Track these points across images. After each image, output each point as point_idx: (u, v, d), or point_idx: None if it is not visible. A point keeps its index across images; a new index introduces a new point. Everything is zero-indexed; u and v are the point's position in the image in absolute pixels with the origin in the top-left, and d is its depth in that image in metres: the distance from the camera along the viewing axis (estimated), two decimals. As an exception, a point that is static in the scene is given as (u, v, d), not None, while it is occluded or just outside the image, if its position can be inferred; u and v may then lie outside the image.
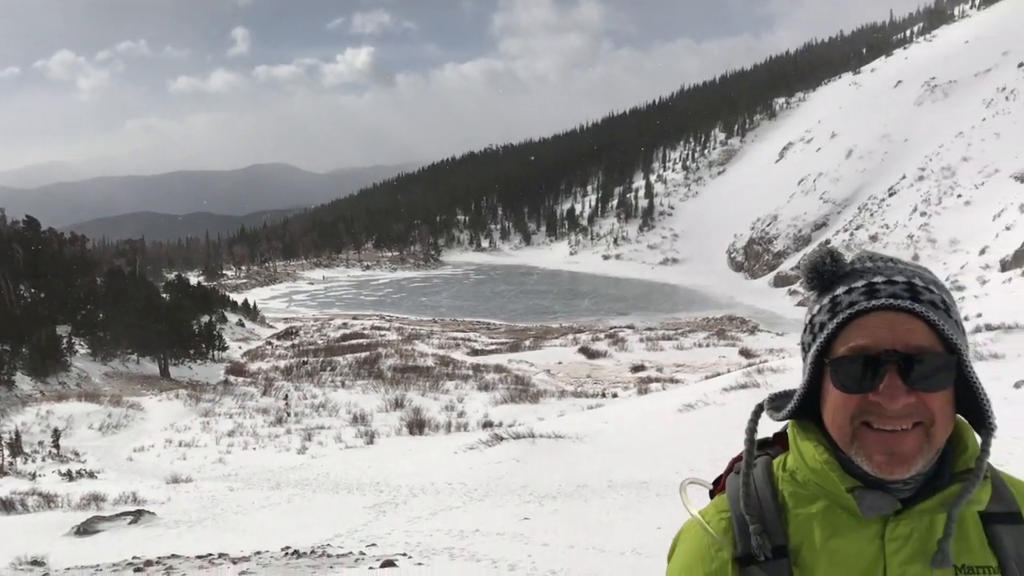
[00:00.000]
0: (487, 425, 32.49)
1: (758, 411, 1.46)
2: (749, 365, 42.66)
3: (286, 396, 42.13)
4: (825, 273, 1.38)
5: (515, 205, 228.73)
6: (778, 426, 1.50)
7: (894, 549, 1.30)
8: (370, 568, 11.25)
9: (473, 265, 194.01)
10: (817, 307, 1.39)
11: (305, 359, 57.52)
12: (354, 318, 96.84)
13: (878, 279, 1.32)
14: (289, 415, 37.55)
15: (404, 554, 12.41)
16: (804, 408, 1.40)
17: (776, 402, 1.44)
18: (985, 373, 18.55)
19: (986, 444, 1.37)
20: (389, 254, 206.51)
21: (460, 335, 79.24)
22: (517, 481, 19.77)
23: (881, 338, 1.26)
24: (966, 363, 1.31)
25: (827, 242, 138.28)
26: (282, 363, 57.11)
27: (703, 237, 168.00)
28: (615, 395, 44.17)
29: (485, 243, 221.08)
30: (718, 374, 41.07)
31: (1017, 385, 22.75)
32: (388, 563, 11.36)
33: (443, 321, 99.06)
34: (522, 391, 43.80)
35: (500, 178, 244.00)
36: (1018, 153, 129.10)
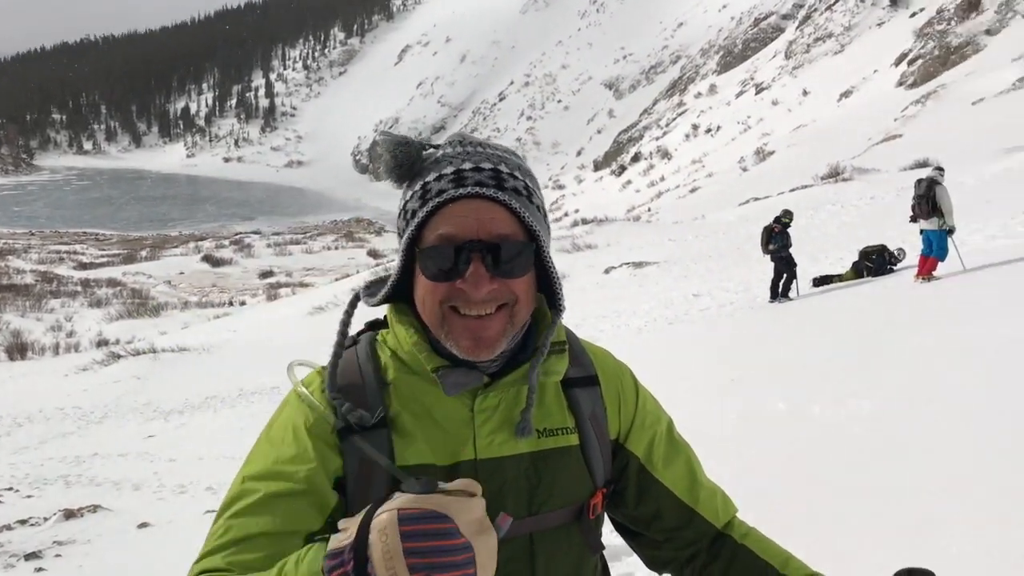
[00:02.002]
0: (102, 343, 30.14)
1: (355, 299, 1.48)
2: (377, 265, 43.55)
3: None
4: (404, 163, 1.37)
5: (121, 103, 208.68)
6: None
7: (483, 420, 1.37)
8: (-33, 509, 10.15)
9: (75, 170, 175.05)
10: (410, 193, 1.36)
11: None
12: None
13: (466, 166, 1.31)
14: None
15: (11, 488, 11.34)
16: (400, 292, 1.42)
17: (372, 288, 1.46)
18: (581, 261, 20.68)
19: (555, 321, 1.42)
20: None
21: (64, 248, 71.90)
22: (139, 399, 18.72)
23: (467, 227, 1.28)
24: (544, 249, 1.34)
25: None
26: None
27: (328, 139, 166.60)
28: (243, 303, 43.03)
29: (88, 145, 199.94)
30: (348, 275, 41.55)
31: (607, 271, 25.79)
32: (-10, 501, 10.32)
33: (42, 233, 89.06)
34: (140, 305, 41.09)
35: (102, 73, 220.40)
36: (607, 62, 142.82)
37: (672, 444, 1.56)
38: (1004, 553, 3.54)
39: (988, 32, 61.09)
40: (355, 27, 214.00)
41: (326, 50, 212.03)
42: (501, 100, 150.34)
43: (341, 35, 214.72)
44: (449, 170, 1.32)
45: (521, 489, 1.38)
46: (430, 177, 1.33)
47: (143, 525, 8.57)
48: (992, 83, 49.42)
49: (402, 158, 1.36)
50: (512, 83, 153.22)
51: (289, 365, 1.44)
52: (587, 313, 18.18)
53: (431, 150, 1.39)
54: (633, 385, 1.56)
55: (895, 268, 14.94)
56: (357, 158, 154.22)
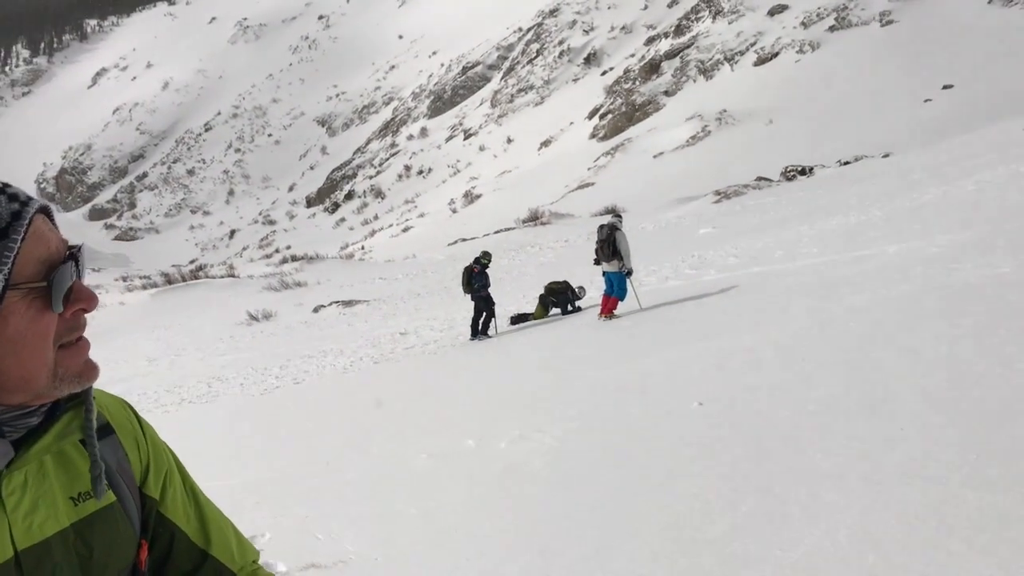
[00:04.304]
0: None
1: None
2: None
3: None
4: None
5: None
6: None
7: (14, 503, 1.17)
8: None
9: None
10: None
11: None
12: None
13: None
14: None
15: None
16: None
17: None
18: (290, 299, 20.19)
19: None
20: None
21: None
22: None
23: (58, 239, 1.18)
24: None
25: (144, 175, 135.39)
26: None
27: (7, 165, 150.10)
28: None
29: None
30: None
31: (316, 309, 25.42)
32: None
33: None
34: None
35: None
36: (320, 99, 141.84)
37: (184, 478, 1.48)
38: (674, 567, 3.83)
39: (667, 93, 67.97)
40: (42, 45, 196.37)
41: (7, 68, 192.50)
42: (207, 130, 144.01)
43: (26, 53, 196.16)
44: None
45: (73, 567, 1.22)
46: None
47: None
48: (670, 139, 54.96)
49: None
50: (219, 114, 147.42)
51: None
52: (292, 353, 17.74)
53: None
54: (140, 423, 1.44)
55: (578, 303, 16.08)
56: (42, 186, 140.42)
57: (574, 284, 16.57)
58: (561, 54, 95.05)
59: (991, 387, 5.18)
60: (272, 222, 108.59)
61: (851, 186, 24.30)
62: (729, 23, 70.49)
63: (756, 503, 4.30)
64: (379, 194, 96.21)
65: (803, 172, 33.84)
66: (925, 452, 4.41)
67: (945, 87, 46.26)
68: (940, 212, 14.66)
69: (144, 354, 22.05)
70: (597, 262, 13.48)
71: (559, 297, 15.95)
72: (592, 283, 16.99)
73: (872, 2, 60.99)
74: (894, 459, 4.41)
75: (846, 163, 34.13)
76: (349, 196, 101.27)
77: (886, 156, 33.13)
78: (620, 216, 13.97)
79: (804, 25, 63.50)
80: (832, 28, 61.25)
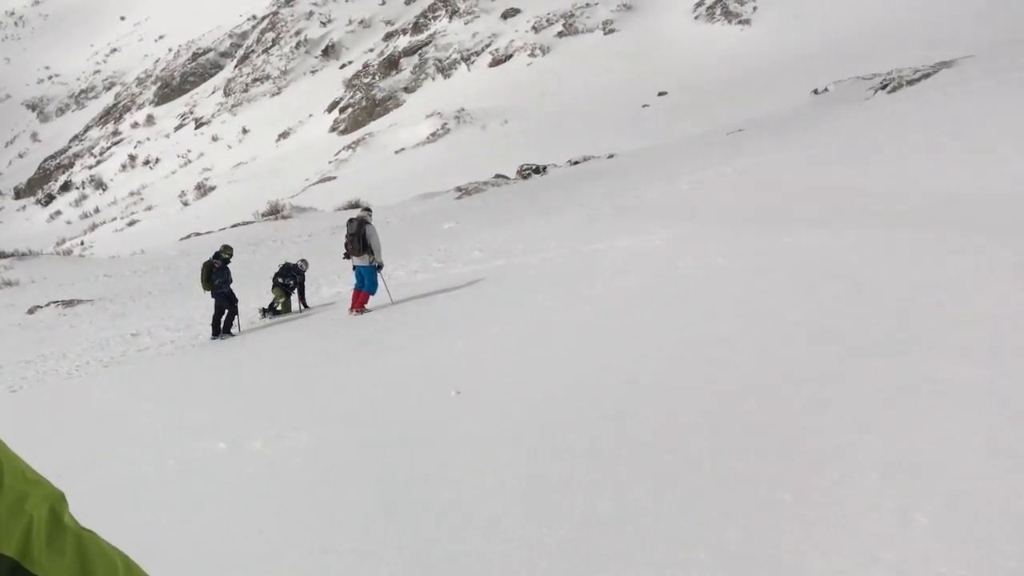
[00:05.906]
0: None
1: None
2: None
3: None
4: None
5: None
6: None
7: None
8: None
9: None
10: None
11: None
12: None
13: None
14: None
15: None
16: None
17: None
18: (1, 300, 18.18)
19: None
20: None
21: None
22: None
23: None
24: None
25: None
26: None
27: None
28: None
29: None
30: None
31: (31, 310, 23.07)
32: None
33: None
34: None
35: None
36: (29, 80, 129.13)
37: (59, 528, 1.12)
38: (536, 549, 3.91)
39: (406, 89, 68.45)
40: None
41: None
42: None
43: None
44: None
45: None
46: None
47: None
48: (411, 135, 55.44)
49: None
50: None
51: None
52: (5, 359, 16.07)
53: None
54: None
55: (303, 276, 16.06)
56: None
57: (290, 260, 16.64)
58: (298, 45, 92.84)
59: (735, 367, 5.74)
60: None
61: (582, 184, 25.74)
62: (465, 23, 72.16)
63: (517, 484, 4.51)
64: (100, 185, 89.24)
65: (537, 171, 35.37)
66: (668, 429, 4.82)
67: (660, 94, 50.23)
68: (661, 209, 15.91)
69: None
70: (347, 256, 13.35)
71: (286, 279, 15.85)
72: (340, 278, 16.82)
73: (596, 11, 64.89)
74: (642, 435, 4.79)
75: (576, 163, 36.07)
76: (65, 187, 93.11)
77: (611, 157, 35.36)
78: (370, 210, 13.93)
79: (535, 30, 66.33)
80: (561, 34, 64.46)
